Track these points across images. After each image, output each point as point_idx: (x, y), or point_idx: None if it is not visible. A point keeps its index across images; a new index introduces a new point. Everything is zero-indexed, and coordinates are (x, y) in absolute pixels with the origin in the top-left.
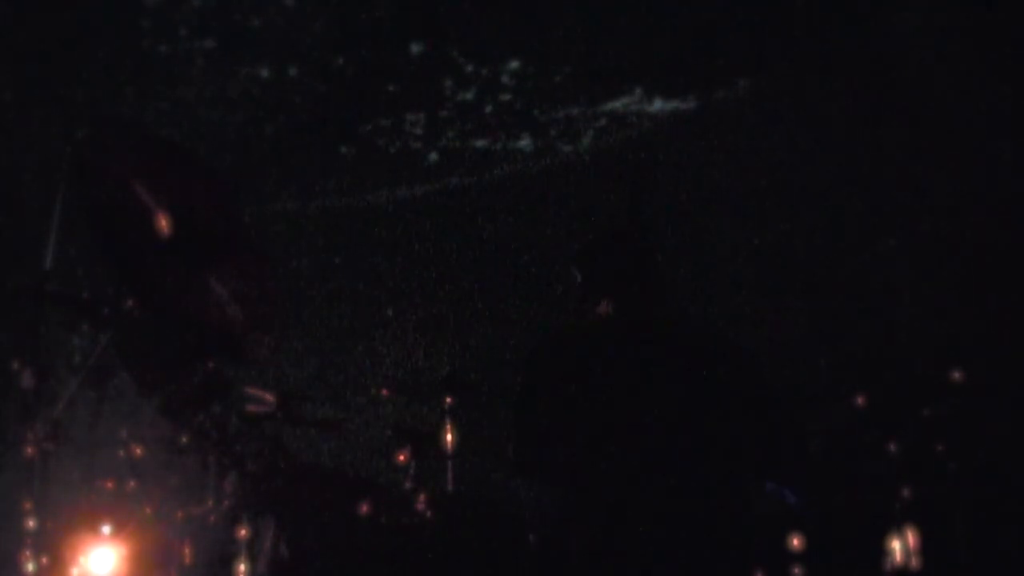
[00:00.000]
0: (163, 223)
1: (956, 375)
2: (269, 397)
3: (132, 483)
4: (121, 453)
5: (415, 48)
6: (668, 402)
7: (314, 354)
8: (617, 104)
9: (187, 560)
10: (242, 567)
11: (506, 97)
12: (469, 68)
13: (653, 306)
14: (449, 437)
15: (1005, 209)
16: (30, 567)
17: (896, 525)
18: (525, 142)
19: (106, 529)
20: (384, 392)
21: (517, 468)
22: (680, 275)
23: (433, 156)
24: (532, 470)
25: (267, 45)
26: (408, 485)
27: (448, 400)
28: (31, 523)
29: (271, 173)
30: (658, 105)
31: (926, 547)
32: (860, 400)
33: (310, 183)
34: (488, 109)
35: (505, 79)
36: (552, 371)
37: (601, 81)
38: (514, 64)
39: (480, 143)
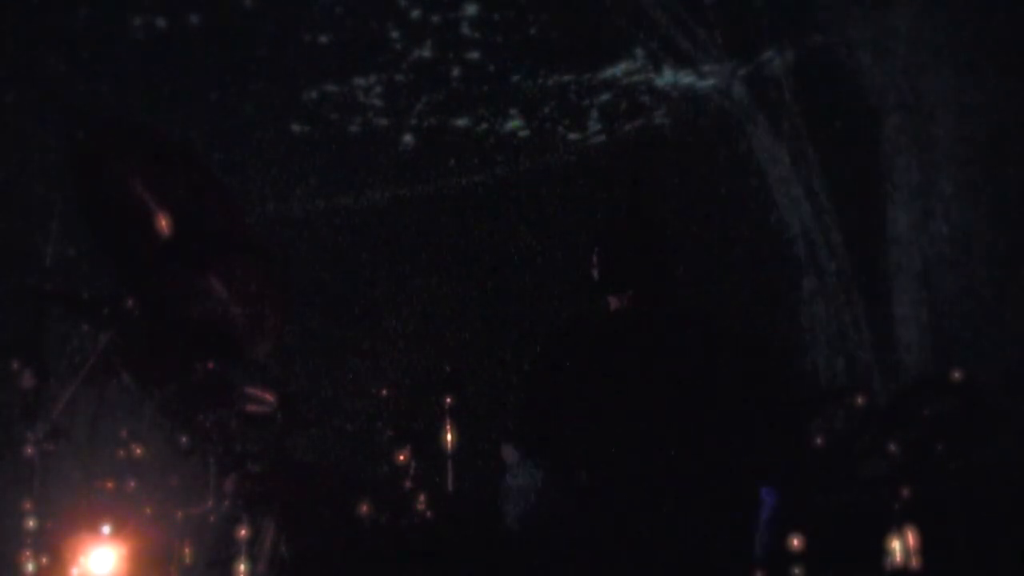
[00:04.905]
0: (163, 223)
1: (956, 375)
2: (269, 397)
3: (132, 483)
4: (121, 453)
5: None
6: (677, 396)
7: (314, 354)
8: (616, 71)
9: (187, 560)
10: (242, 567)
11: (473, 55)
12: (415, 13)
13: (665, 299)
14: (449, 437)
15: (1007, 208)
16: (30, 567)
17: (896, 525)
18: (517, 123)
19: (106, 529)
20: (384, 392)
21: (520, 460)
22: (683, 271)
23: (408, 139)
24: (534, 464)
25: None
26: (408, 485)
27: (448, 400)
28: (31, 523)
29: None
30: (668, 77)
31: (926, 547)
32: (860, 400)
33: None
34: (455, 72)
35: (466, 30)
36: (562, 363)
37: (587, 35)
38: (472, 9)
39: (461, 122)
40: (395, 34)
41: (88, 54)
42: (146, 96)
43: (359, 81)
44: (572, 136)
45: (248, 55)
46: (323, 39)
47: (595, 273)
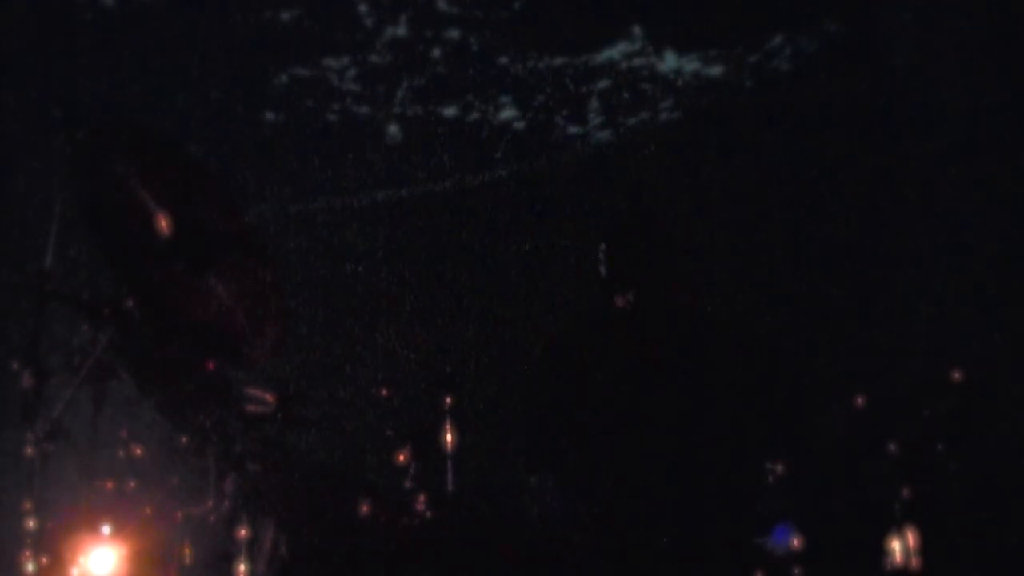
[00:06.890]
0: (163, 223)
1: (956, 375)
2: (269, 397)
3: (132, 483)
4: (121, 453)
5: None
6: (682, 395)
7: (314, 354)
8: (613, 52)
9: (187, 560)
10: (242, 567)
11: (452, 33)
12: None
13: (672, 299)
14: (449, 437)
15: (1007, 209)
16: (30, 567)
17: (896, 525)
18: (511, 113)
19: (106, 529)
20: (384, 392)
21: (526, 461)
22: (685, 271)
23: (393, 130)
24: (540, 463)
25: None
26: (408, 485)
27: (448, 400)
28: (31, 523)
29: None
30: (670, 62)
31: (926, 547)
32: (860, 400)
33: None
34: (435, 53)
35: (442, 4)
36: (568, 364)
37: (579, 12)
38: None
39: (449, 111)
40: (363, 8)
41: (43, 39)
42: (104, 84)
43: (330, 63)
44: (573, 129)
45: (208, 35)
46: (285, 16)
47: (601, 272)
